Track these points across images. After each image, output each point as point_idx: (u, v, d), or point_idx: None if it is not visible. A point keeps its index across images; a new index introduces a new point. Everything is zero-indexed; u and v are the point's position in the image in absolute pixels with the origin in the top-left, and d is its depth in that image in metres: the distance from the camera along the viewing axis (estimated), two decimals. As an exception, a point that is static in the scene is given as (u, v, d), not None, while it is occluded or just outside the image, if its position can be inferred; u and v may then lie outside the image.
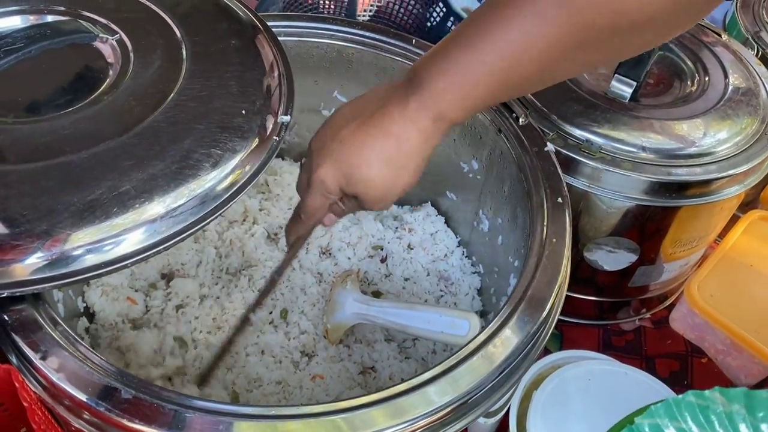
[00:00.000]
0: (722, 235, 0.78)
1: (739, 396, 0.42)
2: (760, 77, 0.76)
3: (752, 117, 0.70)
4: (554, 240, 0.54)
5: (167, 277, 0.69)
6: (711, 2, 0.44)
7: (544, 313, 0.50)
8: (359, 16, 1.04)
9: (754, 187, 0.72)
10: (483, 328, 0.50)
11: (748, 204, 0.90)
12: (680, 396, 0.41)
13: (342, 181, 0.52)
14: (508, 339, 0.48)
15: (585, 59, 0.46)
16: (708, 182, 0.66)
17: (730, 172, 0.66)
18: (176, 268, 0.69)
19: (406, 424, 0.43)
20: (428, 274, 0.74)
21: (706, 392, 0.41)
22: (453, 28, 1.00)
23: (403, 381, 0.45)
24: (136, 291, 0.68)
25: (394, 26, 1.05)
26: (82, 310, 0.63)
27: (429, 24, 1.03)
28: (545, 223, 0.55)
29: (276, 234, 0.75)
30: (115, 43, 0.54)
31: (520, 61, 0.46)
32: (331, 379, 0.63)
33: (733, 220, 0.78)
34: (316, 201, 0.55)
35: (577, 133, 0.66)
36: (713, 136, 0.67)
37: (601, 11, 0.42)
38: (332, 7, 1.03)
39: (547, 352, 0.73)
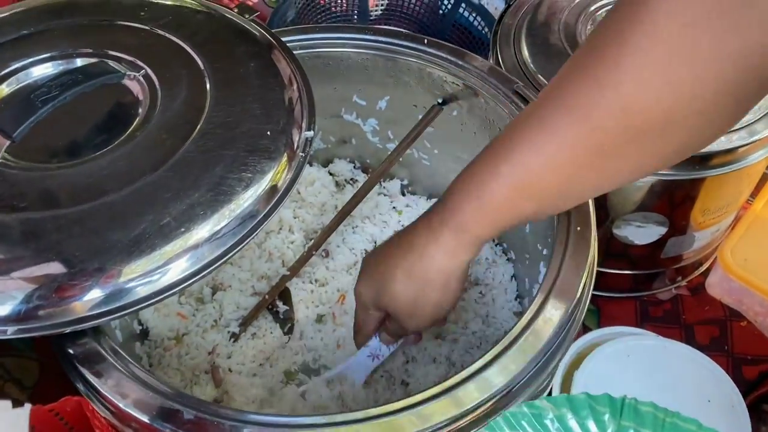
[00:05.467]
0: (754, 194, 0.77)
1: (563, 401, 0.44)
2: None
3: (772, 79, 0.69)
4: (578, 228, 0.55)
5: (213, 290, 0.72)
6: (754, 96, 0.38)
7: (576, 297, 0.51)
8: (372, 10, 1.05)
9: (784, 144, 0.71)
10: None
11: (780, 162, 0.89)
12: (514, 408, 0.43)
13: (374, 295, 0.55)
14: (544, 326, 0.49)
15: (610, 169, 0.43)
16: (731, 150, 0.66)
17: (754, 138, 0.65)
18: (220, 281, 0.72)
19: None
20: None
21: (536, 402, 0.43)
22: (467, 15, 1.00)
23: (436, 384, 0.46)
24: (182, 305, 0.71)
25: (406, 17, 1.05)
26: (138, 332, 0.66)
27: (441, 12, 1.03)
28: (570, 211, 0.56)
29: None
30: (141, 78, 0.56)
31: (536, 173, 0.44)
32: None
33: (764, 180, 0.77)
34: (360, 314, 0.58)
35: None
36: (733, 103, 0.67)
37: (610, 112, 0.39)
38: (345, 5, 1.04)
39: (585, 329, 0.74)
